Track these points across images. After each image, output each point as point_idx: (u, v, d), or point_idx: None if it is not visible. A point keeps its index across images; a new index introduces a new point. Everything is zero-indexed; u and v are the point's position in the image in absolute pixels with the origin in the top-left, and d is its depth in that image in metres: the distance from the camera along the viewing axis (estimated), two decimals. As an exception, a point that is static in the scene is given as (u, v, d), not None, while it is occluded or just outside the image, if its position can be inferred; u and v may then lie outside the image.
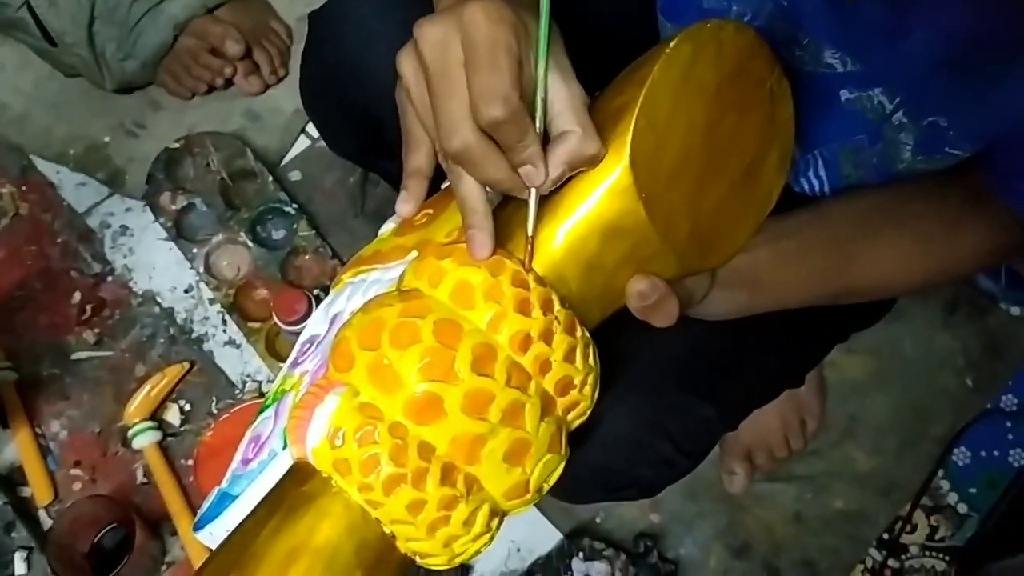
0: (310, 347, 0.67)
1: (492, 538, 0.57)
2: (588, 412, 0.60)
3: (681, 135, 0.57)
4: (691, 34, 0.56)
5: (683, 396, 0.79)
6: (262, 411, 0.66)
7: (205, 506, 0.65)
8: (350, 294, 0.67)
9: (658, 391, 0.78)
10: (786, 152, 0.66)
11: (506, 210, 0.60)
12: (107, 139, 1.45)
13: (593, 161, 0.55)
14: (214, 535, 0.62)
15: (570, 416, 0.58)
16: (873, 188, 0.76)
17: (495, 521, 0.57)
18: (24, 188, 1.40)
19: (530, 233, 0.55)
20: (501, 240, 0.57)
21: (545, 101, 0.53)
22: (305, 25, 0.87)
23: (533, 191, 0.54)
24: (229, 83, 1.47)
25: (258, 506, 0.56)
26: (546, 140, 0.55)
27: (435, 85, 0.53)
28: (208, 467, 1.16)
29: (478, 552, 0.57)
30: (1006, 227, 0.72)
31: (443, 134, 0.53)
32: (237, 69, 1.44)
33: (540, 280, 0.56)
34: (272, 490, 0.57)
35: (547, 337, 0.55)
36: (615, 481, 0.80)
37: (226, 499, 0.63)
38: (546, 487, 0.58)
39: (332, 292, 0.71)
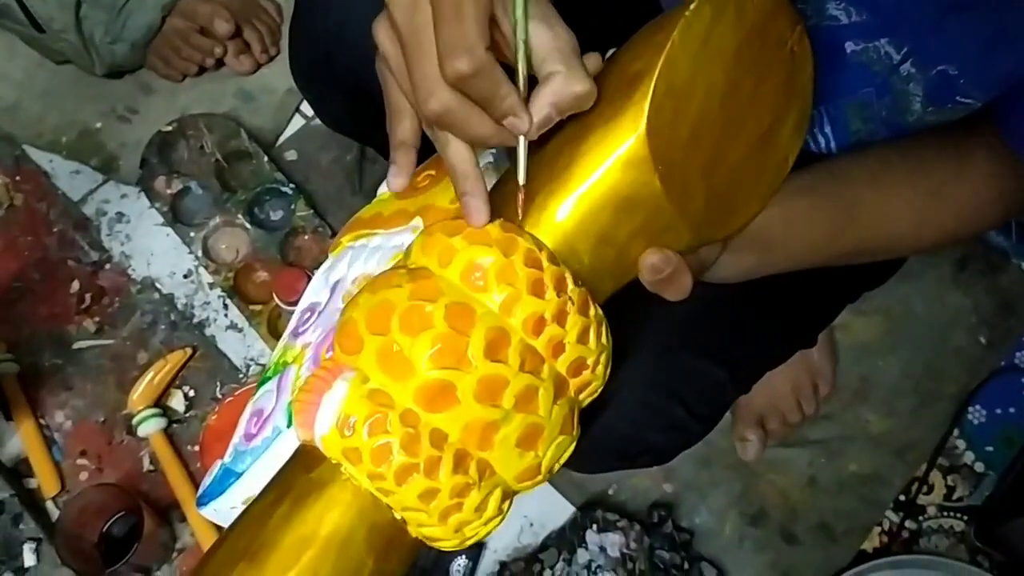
0: (311, 316, 0.67)
1: (503, 519, 0.57)
2: (599, 391, 0.59)
3: (699, 102, 0.56)
4: None
5: (694, 359, 0.79)
6: (262, 383, 0.66)
7: (208, 481, 0.65)
8: (351, 259, 0.67)
9: (668, 355, 0.78)
10: (804, 115, 0.65)
11: (511, 179, 0.59)
12: (99, 125, 1.44)
13: (582, 101, 0.53)
14: (219, 511, 0.63)
15: (582, 396, 0.58)
16: (884, 144, 0.75)
17: (506, 504, 0.56)
18: (18, 178, 1.39)
19: (521, 182, 0.54)
20: (504, 209, 0.56)
21: (527, 45, 0.51)
22: (294, 3, 0.87)
23: (521, 139, 0.53)
24: (220, 63, 1.46)
25: (266, 490, 0.56)
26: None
27: (408, 48, 0.52)
28: (214, 451, 1.15)
29: (488, 534, 0.57)
30: (1021, 180, 0.71)
31: (420, 97, 0.52)
32: (227, 49, 1.43)
33: (553, 258, 0.55)
34: (279, 474, 0.57)
35: (561, 319, 0.54)
36: (628, 448, 0.80)
37: (230, 475, 0.63)
38: (557, 467, 0.58)
39: (331, 256, 0.70)
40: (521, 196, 0.55)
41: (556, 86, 0.52)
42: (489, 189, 0.56)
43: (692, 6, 0.53)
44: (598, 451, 0.79)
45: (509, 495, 0.56)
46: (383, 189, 0.74)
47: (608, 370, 0.59)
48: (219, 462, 0.66)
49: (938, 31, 0.65)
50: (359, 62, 0.76)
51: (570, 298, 0.54)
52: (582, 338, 0.55)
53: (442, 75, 0.50)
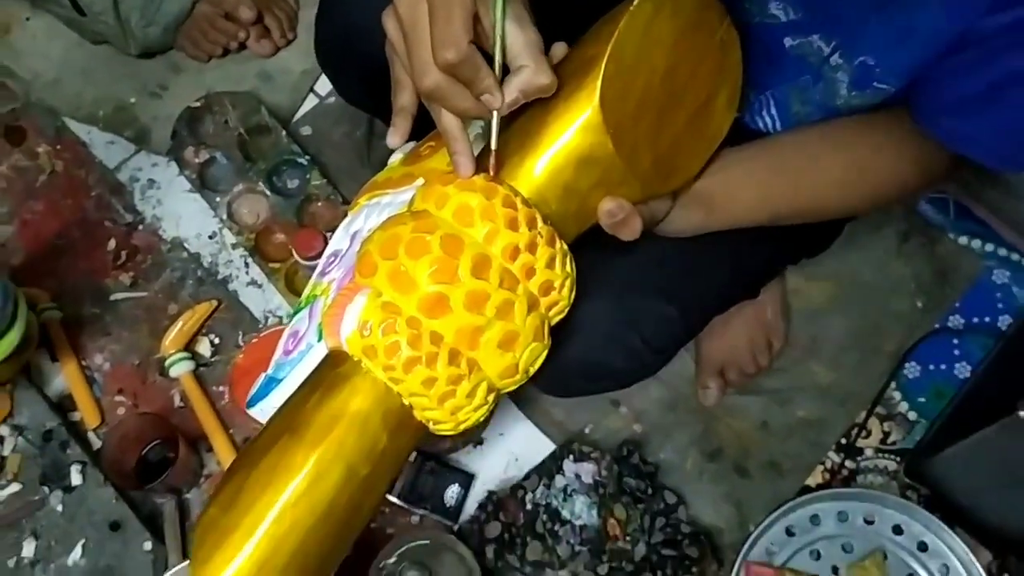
0: (335, 259, 0.77)
1: (489, 410, 0.69)
2: (566, 310, 0.71)
3: (643, 80, 0.67)
4: None
5: (650, 298, 0.88)
6: (296, 312, 0.76)
7: (254, 389, 0.76)
8: (367, 215, 0.77)
9: (629, 293, 0.88)
10: (734, 92, 0.76)
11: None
12: (133, 100, 1.53)
13: (545, 90, 0.64)
14: (264, 411, 0.73)
15: (551, 312, 0.70)
16: (814, 124, 0.84)
17: (491, 396, 0.68)
18: (59, 147, 1.48)
19: (493, 147, 0.66)
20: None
21: (504, 41, 0.62)
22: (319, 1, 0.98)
23: (495, 114, 0.65)
24: (243, 46, 1.55)
25: (301, 386, 0.68)
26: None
27: (408, 36, 0.64)
28: (242, 384, 1.25)
29: (478, 421, 0.68)
30: (932, 155, 0.80)
31: (416, 77, 0.64)
32: (250, 33, 1.53)
33: (526, 202, 0.67)
34: (312, 373, 0.68)
35: (532, 248, 0.66)
36: (593, 371, 0.91)
37: (272, 382, 0.73)
38: (532, 370, 0.69)
39: (350, 214, 0.81)
40: (493, 158, 0.67)
41: (525, 77, 0.64)
42: (477, 152, 0.68)
43: (636, 3, 0.65)
44: (568, 372, 0.90)
45: (494, 390, 0.68)
46: (394, 159, 0.84)
47: (572, 293, 0.71)
48: (263, 374, 0.76)
49: (861, 28, 0.74)
50: (378, 47, 0.87)
51: (540, 233, 0.66)
52: (550, 264, 0.67)
53: (434, 61, 0.62)
